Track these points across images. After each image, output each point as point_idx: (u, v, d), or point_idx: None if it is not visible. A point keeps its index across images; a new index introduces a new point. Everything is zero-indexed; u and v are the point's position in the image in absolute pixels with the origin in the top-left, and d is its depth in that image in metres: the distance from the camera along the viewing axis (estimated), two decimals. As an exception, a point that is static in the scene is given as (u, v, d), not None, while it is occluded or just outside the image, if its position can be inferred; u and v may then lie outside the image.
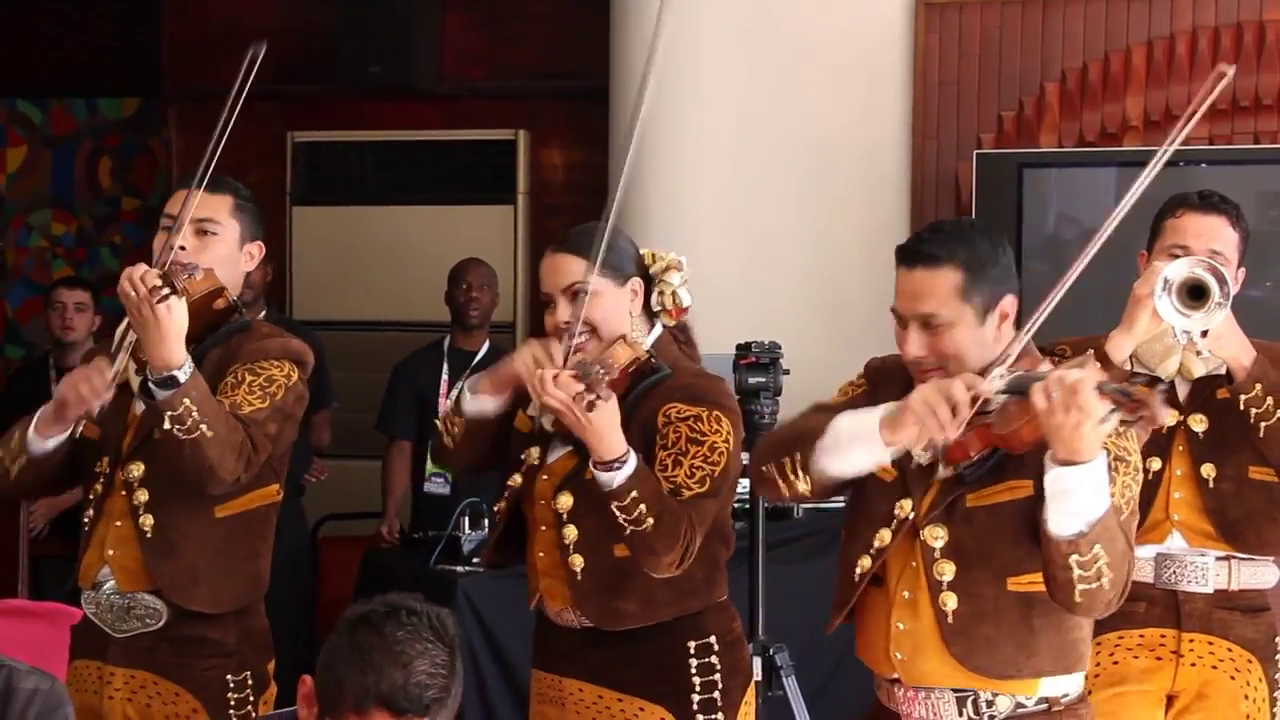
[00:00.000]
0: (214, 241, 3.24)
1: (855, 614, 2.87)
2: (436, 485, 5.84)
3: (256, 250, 3.33)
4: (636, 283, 3.17)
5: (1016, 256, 5.75)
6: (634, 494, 2.95)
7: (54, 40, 8.14)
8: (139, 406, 3.22)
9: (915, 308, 2.73)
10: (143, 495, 3.18)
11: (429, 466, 5.88)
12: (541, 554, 3.16)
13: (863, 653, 2.88)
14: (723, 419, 3.07)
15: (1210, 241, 3.43)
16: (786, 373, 4.98)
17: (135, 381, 3.21)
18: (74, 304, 6.28)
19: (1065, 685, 2.78)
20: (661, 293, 3.21)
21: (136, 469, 3.18)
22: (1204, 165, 5.80)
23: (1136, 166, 5.72)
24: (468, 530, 4.97)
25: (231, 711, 3.24)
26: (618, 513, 2.96)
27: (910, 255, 2.75)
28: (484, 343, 6.01)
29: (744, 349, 4.75)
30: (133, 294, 3.00)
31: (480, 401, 3.19)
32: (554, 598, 3.15)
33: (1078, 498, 2.55)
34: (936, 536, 2.74)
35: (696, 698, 3.11)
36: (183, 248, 3.19)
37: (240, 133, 8.42)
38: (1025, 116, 6.06)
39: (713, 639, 3.14)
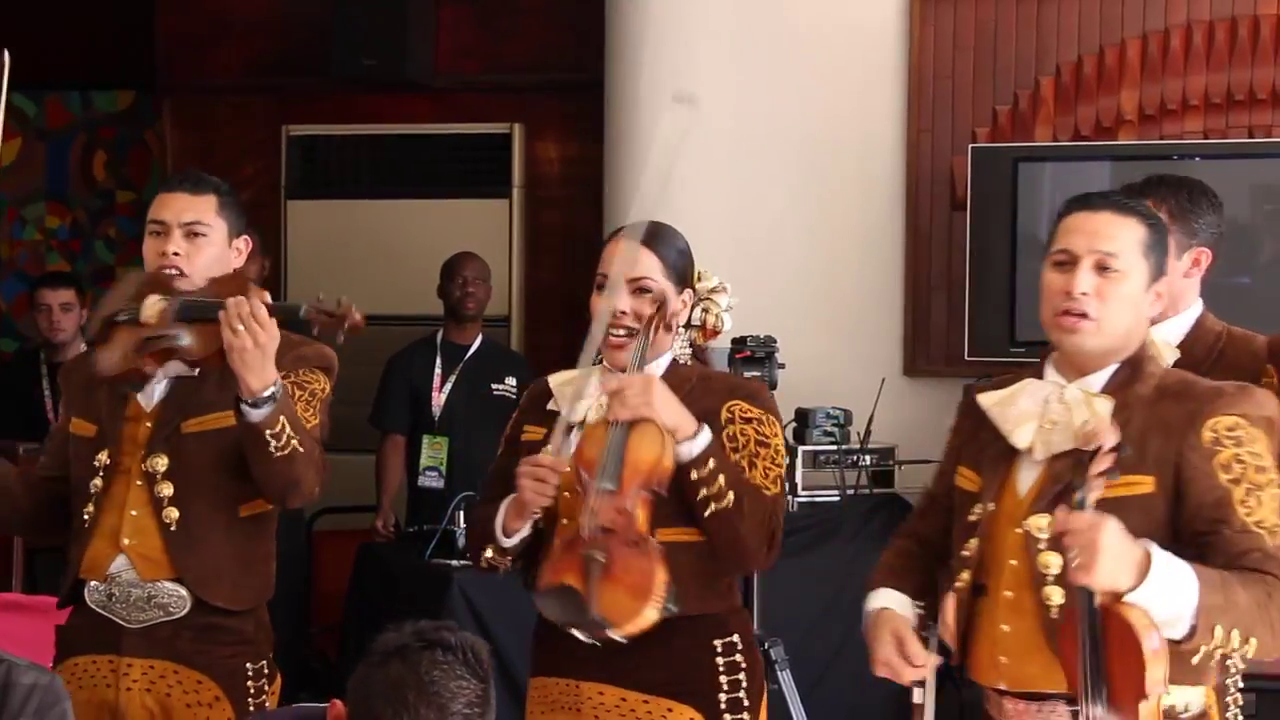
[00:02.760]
0: (204, 243, 3.26)
1: (959, 631, 2.77)
2: (431, 479, 5.84)
3: (244, 245, 3.35)
4: (688, 294, 3.16)
5: (1010, 251, 5.88)
6: (713, 462, 2.96)
7: (48, 33, 8.12)
8: (149, 399, 3.24)
9: (1096, 244, 2.66)
10: (167, 488, 3.19)
11: (423, 460, 5.88)
12: (557, 543, 3.06)
13: (969, 667, 2.77)
14: (776, 425, 3.11)
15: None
16: (782, 366, 5.00)
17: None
18: (59, 304, 6.25)
19: (1186, 696, 2.63)
20: (707, 310, 3.20)
21: (160, 461, 3.19)
22: (1198, 159, 5.81)
23: (1131, 160, 5.79)
24: (463, 524, 4.96)
25: (250, 700, 3.26)
26: (699, 485, 2.94)
27: (1096, 200, 2.71)
28: (477, 336, 6.01)
29: (739, 343, 4.76)
30: (243, 327, 3.05)
31: (518, 534, 3.09)
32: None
33: (1159, 609, 2.47)
34: (1040, 528, 2.63)
35: (724, 697, 3.07)
36: (176, 253, 3.23)
37: (234, 126, 8.49)
38: (1020, 110, 6.06)
39: (736, 638, 3.11)
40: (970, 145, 6.01)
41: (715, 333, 3.24)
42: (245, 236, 3.35)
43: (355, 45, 6.95)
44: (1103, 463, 2.50)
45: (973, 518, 2.70)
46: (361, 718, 2.23)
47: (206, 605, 3.22)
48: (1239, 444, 2.58)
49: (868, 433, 5.59)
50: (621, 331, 3.07)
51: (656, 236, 3.14)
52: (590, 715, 3.05)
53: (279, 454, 3.10)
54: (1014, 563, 2.65)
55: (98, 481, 3.22)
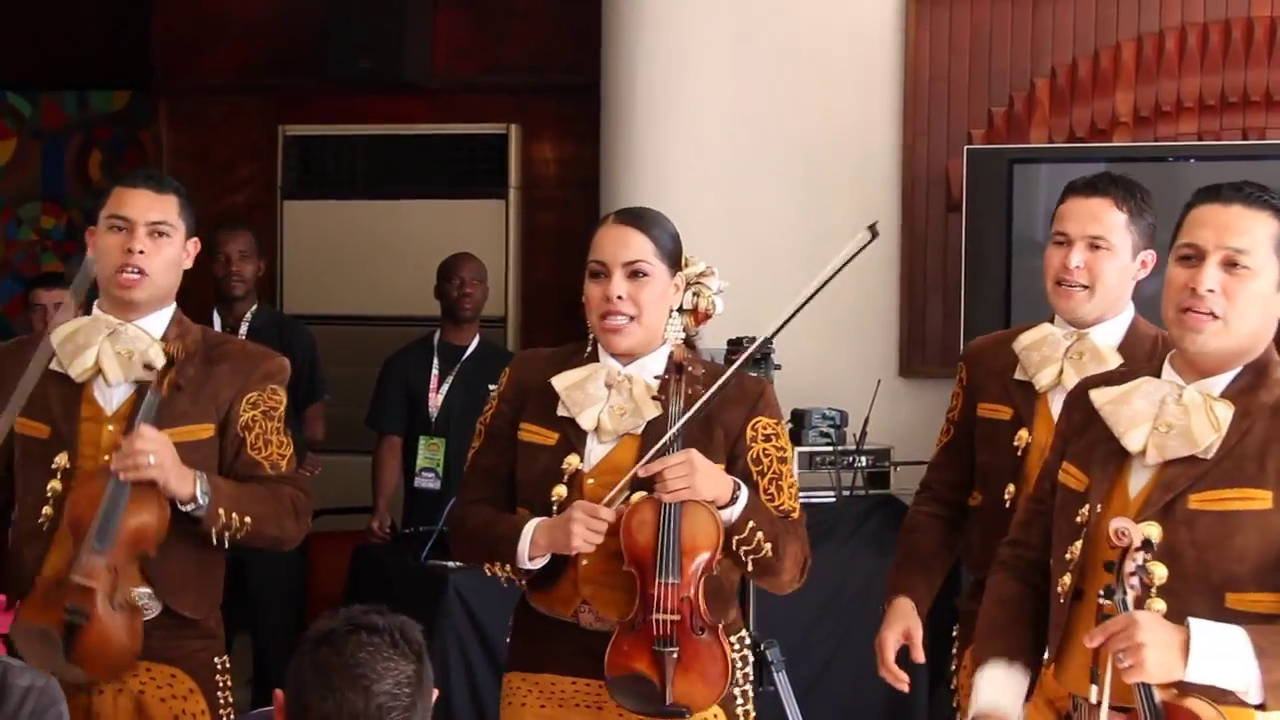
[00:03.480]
0: (166, 244, 3.29)
1: (1055, 637, 2.66)
2: (427, 480, 5.84)
3: (193, 247, 3.38)
4: (680, 278, 3.15)
5: (1006, 253, 5.88)
6: (751, 524, 3.00)
7: (43, 33, 8.13)
8: (108, 400, 3.25)
9: (1225, 240, 2.50)
10: None
11: (419, 461, 5.88)
12: (585, 562, 3.04)
13: (1059, 675, 2.65)
14: (784, 429, 3.17)
15: (1092, 227, 3.27)
16: (778, 368, 4.99)
17: (114, 372, 3.23)
18: (54, 305, 6.25)
19: None
20: (698, 295, 3.19)
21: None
22: (1193, 161, 5.82)
23: (1126, 162, 5.79)
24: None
25: (219, 693, 3.30)
26: (739, 546, 2.99)
27: (1224, 193, 2.55)
28: (474, 337, 6.01)
29: (736, 344, 4.76)
30: (147, 460, 3.08)
31: (540, 560, 3.06)
32: (608, 605, 3.03)
33: (1221, 682, 2.42)
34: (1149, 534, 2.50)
35: (737, 690, 3.14)
36: (141, 251, 3.24)
37: (231, 127, 8.49)
38: (1015, 112, 6.07)
39: (743, 632, 3.19)
40: (965, 147, 6.01)
41: (707, 316, 3.23)
42: (195, 239, 3.38)
43: (352, 46, 6.95)
44: (1133, 561, 2.43)
45: (1079, 519, 2.58)
46: (295, 705, 2.25)
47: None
48: None
49: (863, 434, 5.59)
50: (619, 318, 3.06)
51: (647, 219, 3.13)
52: (614, 712, 3.05)
53: (238, 536, 3.22)
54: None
55: (56, 484, 3.22)
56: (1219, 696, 2.45)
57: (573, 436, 3.07)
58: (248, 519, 3.21)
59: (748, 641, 3.18)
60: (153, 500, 3.13)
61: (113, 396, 3.26)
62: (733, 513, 2.98)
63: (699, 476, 2.94)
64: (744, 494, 3.00)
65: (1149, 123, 5.96)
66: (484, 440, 3.21)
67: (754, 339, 4.67)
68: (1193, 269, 2.54)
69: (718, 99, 6.20)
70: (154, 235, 3.26)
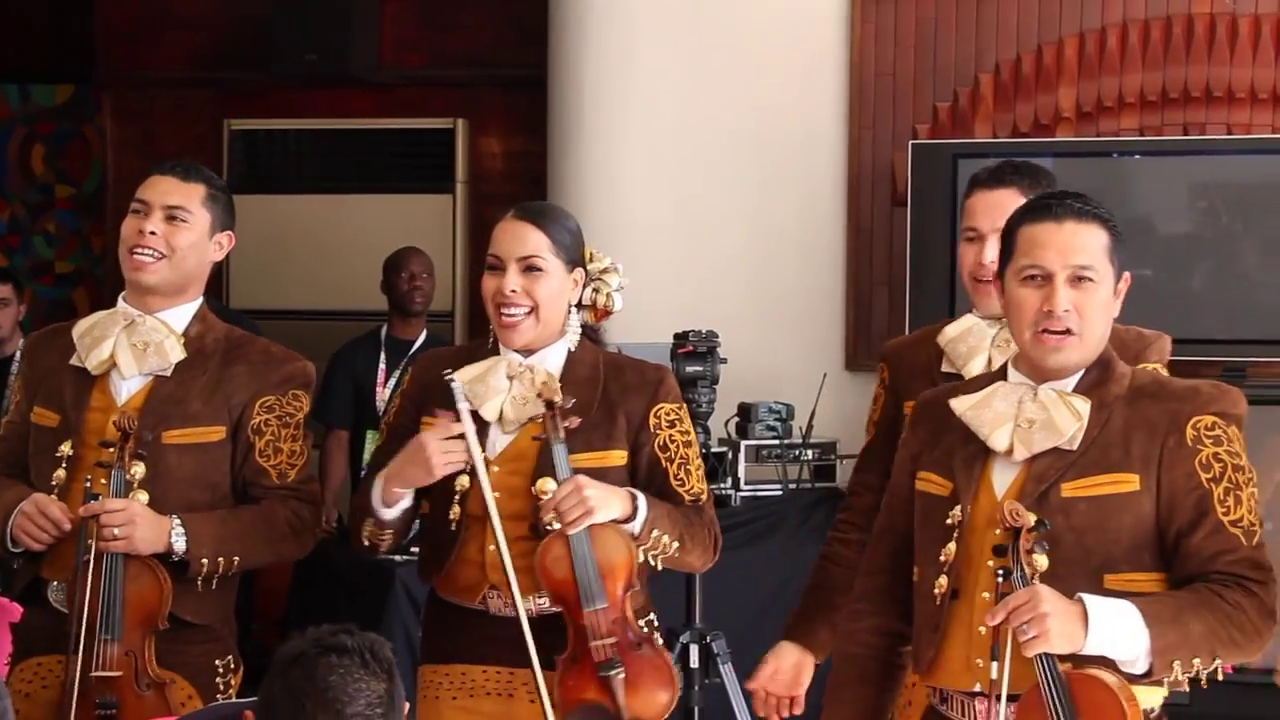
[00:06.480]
0: (183, 229, 3.25)
1: (926, 637, 2.72)
2: (374, 474, 5.83)
3: (226, 240, 3.35)
4: (579, 274, 3.17)
5: (950, 247, 5.92)
6: (655, 531, 3.04)
7: (-15, 26, 8.05)
8: (120, 390, 3.22)
9: (1069, 260, 2.62)
10: (142, 496, 3.16)
11: (366, 455, 5.87)
12: (492, 547, 3.06)
13: (932, 672, 2.71)
14: (686, 411, 3.21)
15: (1001, 219, 3.05)
16: (724, 361, 5.02)
17: (127, 365, 3.20)
18: None
19: (1154, 698, 2.64)
20: (597, 290, 3.21)
21: (138, 469, 3.16)
22: (1137, 156, 5.87)
23: (1070, 157, 5.83)
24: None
25: (219, 695, 3.26)
26: (647, 553, 3.05)
27: (1056, 210, 2.66)
28: (422, 331, 6.01)
29: (681, 338, 4.78)
30: (116, 534, 3.06)
31: (399, 504, 3.14)
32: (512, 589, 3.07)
33: (1115, 653, 2.52)
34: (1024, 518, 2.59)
35: None
36: (153, 232, 3.23)
37: (175, 120, 8.42)
38: (960, 107, 6.11)
39: (654, 616, 3.20)
40: (911, 141, 6.05)
41: (607, 313, 3.26)
42: (229, 233, 3.35)
43: (298, 39, 6.92)
44: (1028, 541, 2.55)
45: (950, 522, 2.68)
46: None
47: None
48: (1218, 443, 2.61)
49: (810, 427, 5.62)
50: (514, 311, 3.09)
51: (545, 215, 3.18)
52: (524, 698, 3.09)
53: (232, 572, 3.20)
54: (992, 564, 2.62)
55: (60, 473, 3.19)
56: (1109, 668, 2.54)
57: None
58: (236, 558, 3.19)
59: (655, 624, 3.20)
60: (145, 573, 3.12)
61: (123, 388, 3.23)
62: (635, 527, 3.03)
63: (594, 500, 2.97)
64: (643, 504, 3.03)
65: (1091, 118, 6.01)
66: (386, 437, 3.27)
67: (699, 331, 4.71)
68: (1041, 289, 2.65)
69: (664, 93, 6.21)
70: (170, 220, 3.24)
